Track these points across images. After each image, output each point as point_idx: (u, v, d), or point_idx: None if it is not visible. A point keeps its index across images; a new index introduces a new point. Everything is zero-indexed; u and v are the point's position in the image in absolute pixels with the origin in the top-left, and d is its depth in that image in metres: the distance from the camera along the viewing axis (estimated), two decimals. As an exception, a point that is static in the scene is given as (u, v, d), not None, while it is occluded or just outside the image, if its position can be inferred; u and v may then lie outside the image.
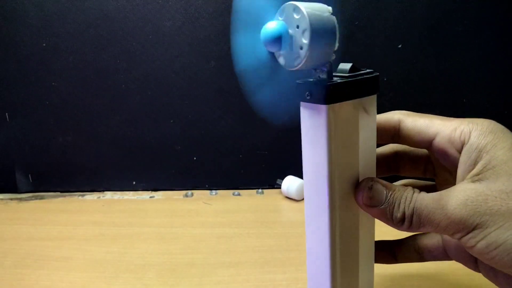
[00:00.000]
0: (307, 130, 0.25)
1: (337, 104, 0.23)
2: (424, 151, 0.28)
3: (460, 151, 0.24)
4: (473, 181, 0.22)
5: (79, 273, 0.36)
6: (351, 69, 0.24)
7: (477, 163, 0.23)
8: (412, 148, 0.28)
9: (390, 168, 0.29)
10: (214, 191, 0.55)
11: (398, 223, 0.23)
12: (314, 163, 0.25)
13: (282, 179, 0.52)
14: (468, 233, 0.21)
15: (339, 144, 0.24)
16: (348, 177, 0.24)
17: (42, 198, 0.54)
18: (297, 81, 0.24)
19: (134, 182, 0.55)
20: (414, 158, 0.29)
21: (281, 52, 0.22)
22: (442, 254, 0.28)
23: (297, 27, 0.21)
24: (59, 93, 0.52)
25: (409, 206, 0.23)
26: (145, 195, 0.54)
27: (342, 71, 0.24)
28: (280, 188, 0.52)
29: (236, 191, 0.55)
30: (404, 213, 0.23)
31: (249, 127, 0.54)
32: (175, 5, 0.50)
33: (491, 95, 0.54)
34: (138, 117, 0.54)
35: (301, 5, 0.21)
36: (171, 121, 0.54)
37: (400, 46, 0.51)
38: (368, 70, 0.24)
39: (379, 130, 0.26)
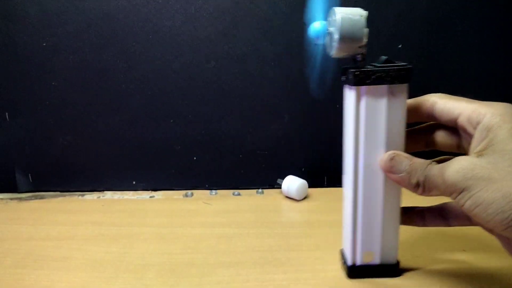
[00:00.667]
0: (346, 106, 0.32)
1: (364, 87, 0.29)
2: (457, 129, 0.31)
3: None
4: (476, 156, 0.27)
5: (79, 273, 0.36)
6: (385, 61, 0.30)
7: (483, 141, 0.27)
8: (447, 127, 0.32)
9: (428, 143, 0.33)
10: (214, 191, 0.55)
11: (414, 188, 0.29)
12: (346, 134, 0.32)
13: (282, 179, 0.52)
14: (459, 194, 0.26)
15: (365, 119, 0.30)
16: (374, 148, 0.30)
17: (42, 198, 0.54)
18: (342, 66, 0.31)
19: (134, 182, 0.55)
20: (448, 136, 0.32)
21: (321, 43, 0.31)
22: (466, 221, 0.32)
23: (334, 26, 0.29)
24: (59, 93, 0.52)
25: (422, 174, 0.28)
26: (145, 195, 0.54)
27: (379, 61, 0.30)
28: (280, 188, 0.52)
29: (236, 191, 0.55)
30: (418, 180, 0.28)
31: (249, 127, 0.54)
32: (175, 5, 0.50)
33: (491, 95, 0.54)
34: (138, 117, 0.54)
35: (337, 9, 0.28)
36: (171, 121, 0.54)
37: (400, 46, 0.51)
38: (402, 64, 0.30)
39: (416, 110, 0.31)
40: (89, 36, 0.51)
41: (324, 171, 0.56)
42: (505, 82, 0.53)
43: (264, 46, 0.51)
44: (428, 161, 0.29)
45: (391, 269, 0.34)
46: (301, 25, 0.51)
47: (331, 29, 0.29)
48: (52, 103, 0.53)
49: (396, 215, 0.32)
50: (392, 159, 0.30)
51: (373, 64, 0.30)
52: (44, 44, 0.51)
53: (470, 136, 0.29)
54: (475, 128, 0.28)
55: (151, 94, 0.53)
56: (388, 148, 0.30)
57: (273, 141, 0.55)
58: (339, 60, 0.30)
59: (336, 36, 0.28)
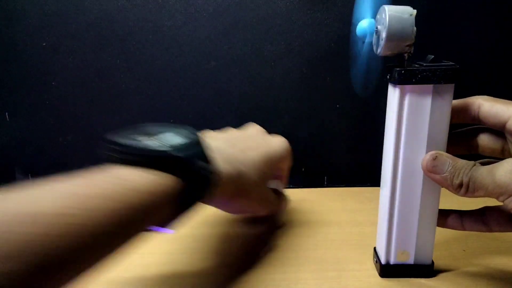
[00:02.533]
0: (389, 104, 0.32)
1: (409, 86, 0.29)
2: (502, 133, 0.31)
3: None
4: None
5: (79, 273, 0.36)
6: (431, 60, 0.29)
7: None
8: (491, 130, 0.32)
9: (470, 147, 0.33)
10: (214, 191, 0.55)
11: (456, 189, 0.28)
12: (388, 132, 0.32)
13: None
14: (509, 196, 0.26)
15: (408, 118, 0.30)
16: (415, 148, 0.30)
17: (42, 198, 0.54)
18: (387, 65, 0.31)
19: (134, 182, 0.55)
20: (492, 139, 0.32)
21: (368, 41, 0.30)
22: (509, 226, 0.31)
23: (382, 24, 0.28)
24: (59, 93, 0.52)
25: (467, 175, 0.28)
26: (145, 195, 0.54)
27: (426, 60, 0.30)
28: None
29: (236, 191, 0.55)
30: (462, 180, 0.28)
31: (249, 127, 0.54)
32: (175, 5, 0.50)
33: (491, 95, 0.54)
34: (138, 117, 0.53)
35: (387, 8, 0.28)
36: (171, 121, 0.54)
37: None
38: (449, 63, 0.29)
39: (461, 112, 0.31)
40: (89, 36, 0.51)
41: (324, 171, 0.56)
42: (505, 82, 0.53)
43: (264, 46, 0.51)
44: (473, 162, 0.29)
45: (426, 270, 0.34)
46: (301, 25, 0.51)
47: (379, 27, 0.29)
48: (52, 103, 0.53)
49: (433, 216, 0.32)
50: (435, 158, 0.29)
51: (419, 62, 0.30)
52: (44, 44, 0.51)
53: None
54: None
55: (151, 94, 0.53)
56: (429, 149, 0.30)
57: (273, 141, 0.55)
58: (384, 59, 0.30)
59: (384, 34, 0.28)
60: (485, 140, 0.32)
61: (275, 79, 0.53)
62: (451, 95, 0.29)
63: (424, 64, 0.29)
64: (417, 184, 0.31)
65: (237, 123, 0.54)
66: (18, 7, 0.50)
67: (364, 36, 0.30)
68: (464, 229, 0.33)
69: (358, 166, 0.56)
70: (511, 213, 0.27)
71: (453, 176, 0.28)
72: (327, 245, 0.40)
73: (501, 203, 0.28)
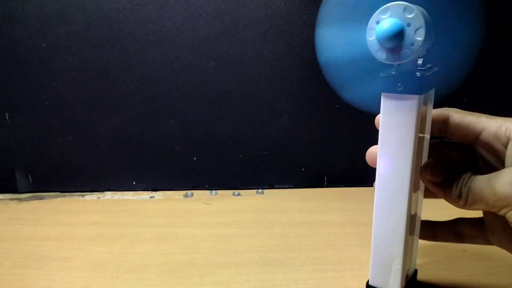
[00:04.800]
0: (390, 120, 0.28)
1: (423, 95, 0.26)
2: (470, 147, 0.30)
3: (506, 146, 0.27)
4: None
5: (79, 273, 0.36)
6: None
7: None
8: (457, 144, 0.31)
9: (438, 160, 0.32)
10: (214, 191, 0.55)
11: (455, 200, 0.27)
12: (397, 148, 0.28)
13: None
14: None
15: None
16: (420, 161, 0.28)
17: (42, 198, 0.54)
18: (382, 75, 0.27)
19: (134, 182, 0.55)
20: (461, 153, 0.31)
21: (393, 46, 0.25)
22: (483, 239, 0.31)
23: (408, 25, 0.24)
24: (59, 93, 0.52)
25: (465, 185, 0.26)
26: (145, 195, 0.54)
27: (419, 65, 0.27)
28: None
29: (236, 191, 0.55)
30: (460, 192, 0.27)
31: (249, 127, 0.54)
32: (175, 5, 0.50)
33: (491, 95, 0.54)
34: (138, 117, 0.54)
35: (413, 5, 0.24)
36: (171, 121, 0.54)
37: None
38: (428, 65, 0.27)
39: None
40: (89, 37, 0.51)
41: (324, 171, 0.56)
42: (505, 82, 0.53)
43: (264, 46, 0.51)
44: (469, 172, 0.27)
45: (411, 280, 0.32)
46: (301, 25, 0.51)
47: (410, 27, 0.25)
48: (52, 103, 0.53)
49: (419, 228, 0.31)
50: (433, 167, 0.28)
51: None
52: (44, 45, 0.51)
53: (495, 152, 0.28)
54: (504, 144, 0.27)
55: (151, 94, 0.53)
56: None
57: (273, 141, 0.55)
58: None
59: (418, 38, 0.24)
60: (454, 154, 0.31)
61: (275, 79, 0.53)
62: (416, 104, 0.26)
63: (423, 68, 0.27)
64: (416, 197, 0.29)
65: (237, 123, 0.54)
66: (18, 7, 0.50)
67: (394, 42, 0.24)
68: (436, 240, 0.33)
69: (358, 166, 0.56)
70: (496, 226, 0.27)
71: (451, 186, 0.27)
72: (327, 245, 0.40)
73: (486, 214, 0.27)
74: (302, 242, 0.41)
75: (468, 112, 0.29)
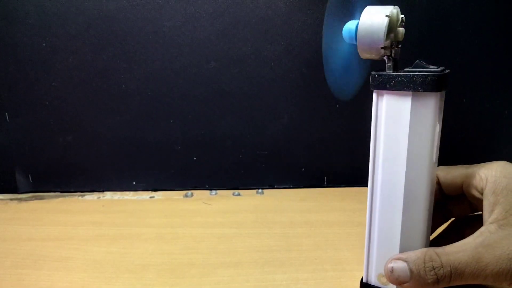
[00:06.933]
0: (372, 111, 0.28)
1: (386, 92, 0.26)
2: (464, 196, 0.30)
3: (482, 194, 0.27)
4: (499, 226, 0.25)
5: (79, 273, 0.36)
6: (414, 65, 0.27)
7: (496, 207, 0.25)
8: (455, 196, 0.30)
9: (445, 216, 0.32)
10: (214, 191, 0.55)
11: (434, 285, 0.25)
12: (371, 141, 0.29)
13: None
14: None
15: (385, 127, 0.27)
16: (394, 161, 0.27)
17: (42, 198, 0.54)
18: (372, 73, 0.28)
19: (134, 182, 0.55)
20: (461, 203, 0.31)
21: (354, 43, 0.27)
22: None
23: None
24: (59, 93, 0.52)
25: (440, 269, 0.24)
26: (145, 195, 0.54)
27: (414, 66, 0.27)
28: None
29: (236, 191, 0.55)
30: (437, 277, 0.25)
31: (249, 127, 0.54)
32: (175, 5, 0.50)
33: (491, 95, 0.54)
34: (138, 117, 0.54)
35: (368, 8, 0.26)
36: (171, 121, 0.54)
37: (400, 46, 0.51)
38: (431, 69, 0.26)
39: None
40: (89, 37, 0.51)
41: (324, 171, 0.56)
42: (505, 82, 0.53)
43: (264, 46, 0.51)
44: (426, 250, 0.26)
45: None
46: (301, 25, 0.51)
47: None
48: (52, 103, 0.53)
49: (418, 238, 0.28)
50: (392, 271, 0.26)
51: (408, 68, 0.27)
52: (44, 45, 0.51)
53: (479, 202, 0.28)
54: (481, 193, 0.27)
55: (151, 94, 0.53)
56: (410, 166, 0.26)
57: (273, 141, 0.55)
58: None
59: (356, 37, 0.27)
60: (455, 205, 0.31)
61: (275, 79, 0.53)
62: (434, 104, 0.26)
63: (405, 69, 0.26)
64: (396, 201, 0.27)
65: (237, 123, 0.54)
66: (18, 7, 0.50)
67: (350, 38, 0.27)
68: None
69: (358, 166, 0.56)
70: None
71: (420, 276, 0.25)
72: (327, 245, 0.40)
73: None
74: (302, 242, 0.41)
75: (451, 166, 0.29)
